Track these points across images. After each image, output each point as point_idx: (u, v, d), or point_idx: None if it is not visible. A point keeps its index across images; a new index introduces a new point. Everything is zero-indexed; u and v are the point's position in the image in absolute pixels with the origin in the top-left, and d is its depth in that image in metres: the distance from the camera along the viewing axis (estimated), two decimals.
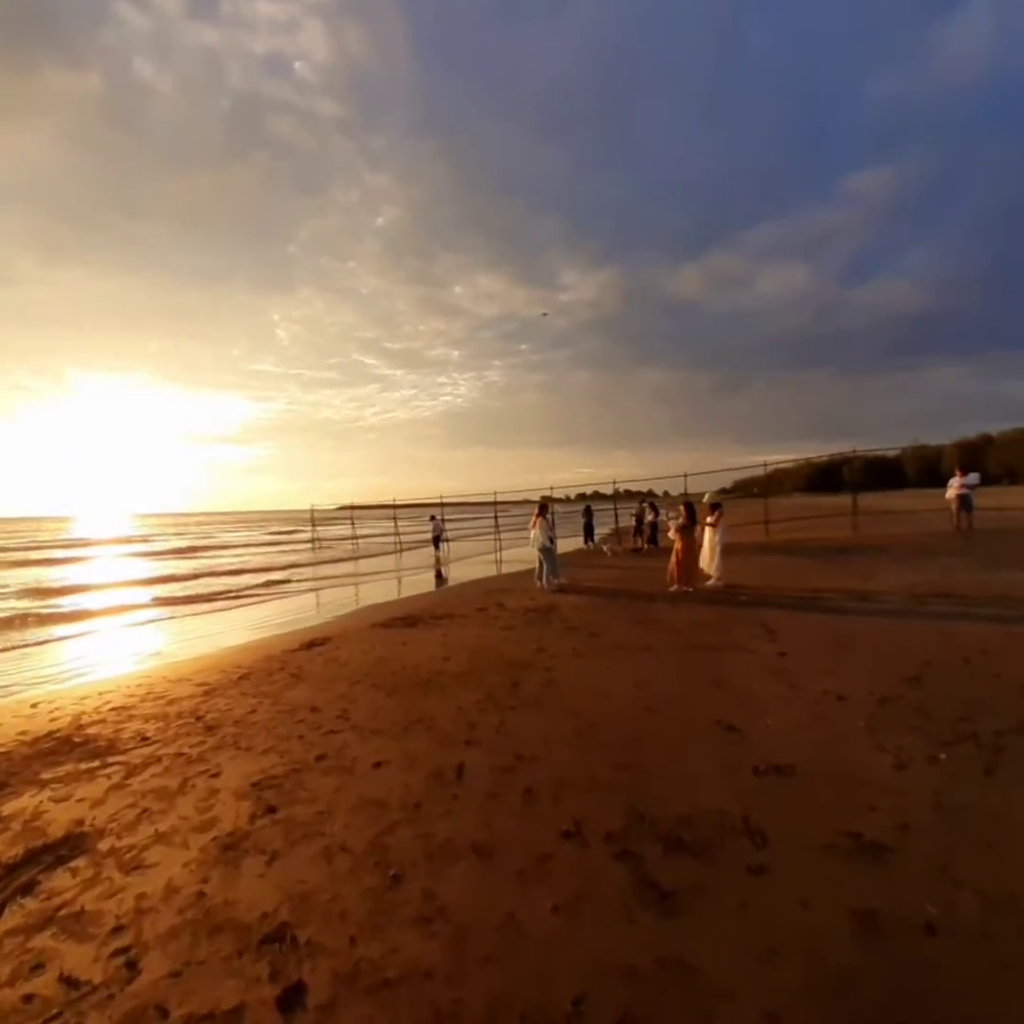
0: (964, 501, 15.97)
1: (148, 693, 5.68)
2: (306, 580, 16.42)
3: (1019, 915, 2.02)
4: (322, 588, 14.72)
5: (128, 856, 2.87)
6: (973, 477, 16.68)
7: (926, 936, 1.95)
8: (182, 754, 4.05)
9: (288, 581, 16.19)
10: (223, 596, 13.61)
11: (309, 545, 29.80)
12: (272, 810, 3.12)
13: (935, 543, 13.75)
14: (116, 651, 8.57)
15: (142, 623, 10.78)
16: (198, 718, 4.79)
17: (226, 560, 24.25)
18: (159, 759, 4.00)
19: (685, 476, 19.92)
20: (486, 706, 4.58)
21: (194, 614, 11.44)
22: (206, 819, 3.11)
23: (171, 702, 5.33)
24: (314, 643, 7.48)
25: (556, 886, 2.31)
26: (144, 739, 4.41)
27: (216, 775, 3.66)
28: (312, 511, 31.63)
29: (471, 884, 2.37)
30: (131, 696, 5.62)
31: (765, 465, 22.15)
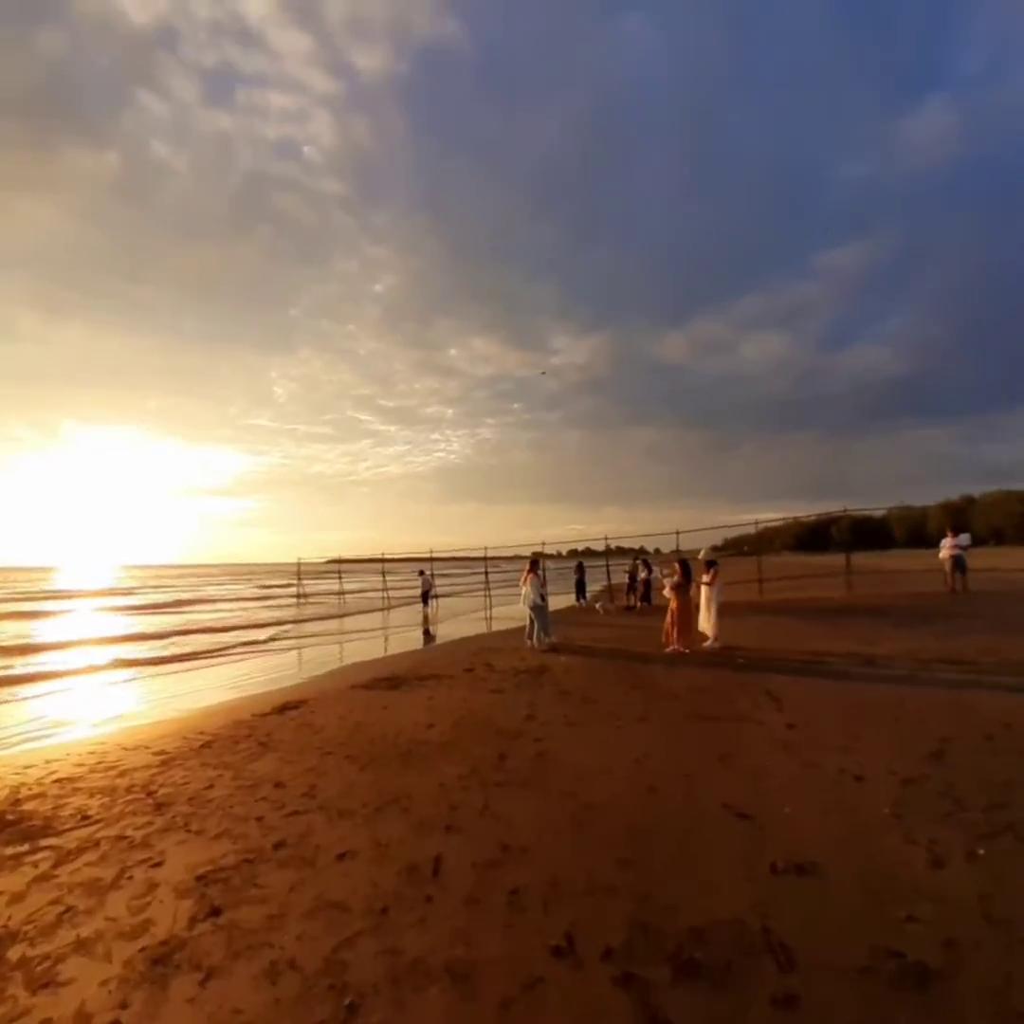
0: (958, 562, 15.84)
1: (99, 762, 5.18)
2: (288, 637, 15.80)
3: None
4: (304, 645, 14.12)
5: (40, 969, 2.42)
6: (965, 538, 16.62)
7: None
8: (124, 837, 3.58)
9: (269, 639, 15.57)
10: (198, 654, 12.98)
11: (294, 600, 29.07)
12: (215, 912, 2.68)
13: (933, 605, 13.51)
14: (76, 714, 7.97)
15: (109, 683, 10.16)
16: (149, 793, 4.31)
17: (207, 615, 23.48)
18: (97, 843, 3.52)
19: (677, 533, 19.79)
20: (470, 783, 4.15)
21: (165, 673, 10.84)
22: (138, 923, 2.66)
23: (123, 773, 4.83)
24: (288, 706, 6.98)
25: (547, 1023, 1.90)
26: (84, 818, 3.93)
27: (158, 865, 3.20)
28: (299, 565, 31.05)
29: (442, 1018, 1.96)
30: (80, 766, 5.11)
31: (756, 523, 22.09)
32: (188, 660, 12.23)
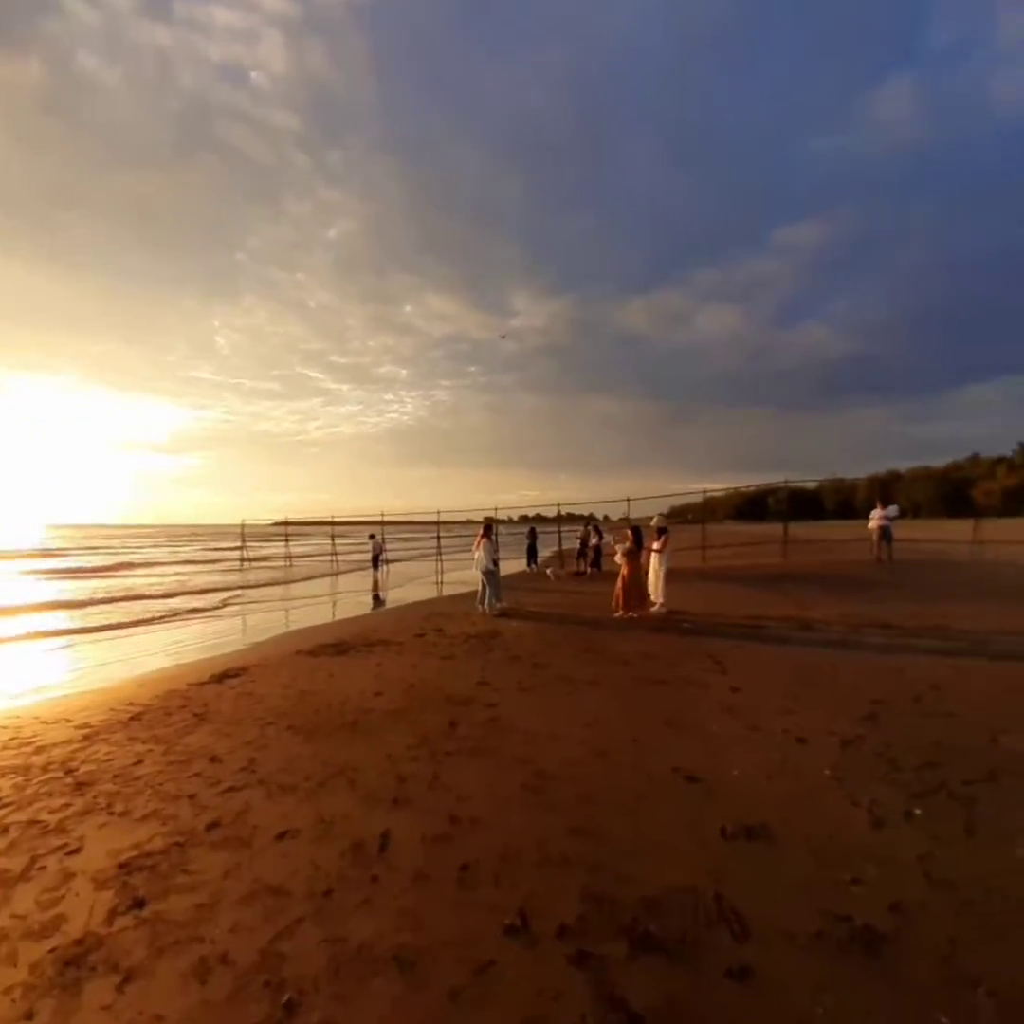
0: (885, 532, 16.75)
1: (12, 738, 4.76)
2: (230, 603, 15.17)
3: None
4: (247, 611, 13.58)
5: None
6: (893, 509, 17.57)
7: None
8: (37, 822, 3.27)
9: (210, 606, 14.90)
10: (131, 622, 12.27)
11: (238, 564, 28.01)
12: (139, 904, 2.46)
13: (862, 572, 14.29)
14: None
15: (29, 652, 9.45)
16: (69, 772, 3.98)
17: (141, 580, 22.30)
18: (5, 830, 3.20)
19: (628, 501, 20.10)
20: (420, 752, 4.03)
21: (94, 641, 10.17)
22: (48, 919, 2.41)
23: (39, 750, 4.45)
24: (227, 674, 6.65)
25: (499, 1012, 1.82)
26: None
27: (75, 852, 2.94)
28: (243, 526, 29.83)
29: (388, 1012, 1.84)
30: None
31: (704, 492, 22.68)
32: (120, 628, 11.54)
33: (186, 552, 41.84)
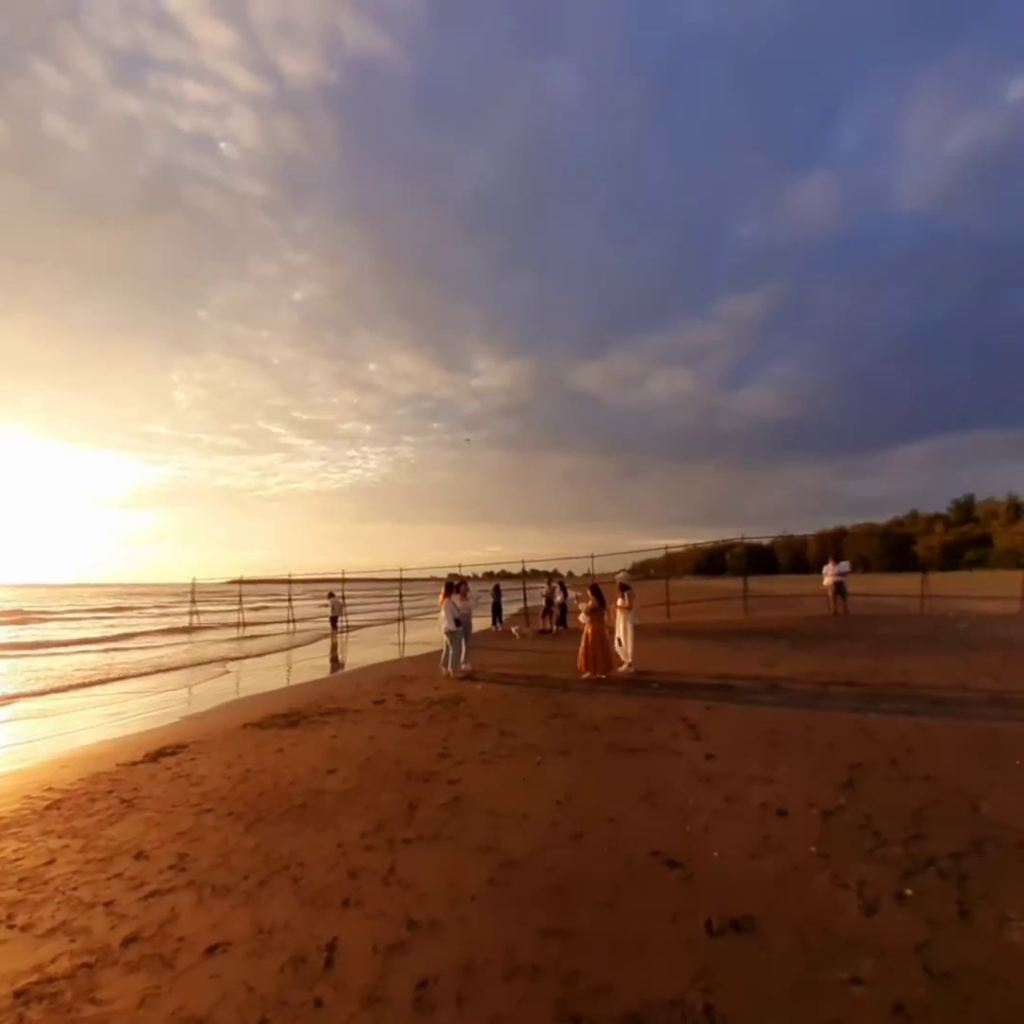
0: (840, 588, 17.25)
1: None
2: (176, 665, 14.20)
3: None
4: (192, 678, 12.69)
5: None
6: (845, 566, 18.18)
7: None
8: None
9: (153, 668, 13.92)
10: (61, 688, 11.29)
11: (187, 624, 26.56)
12: None
13: (820, 627, 14.53)
14: None
15: None
16: None
17: (80, 643, 20.82)
18: None
19: (592, 557, 20.15)
20: (375, 840, 3.66)
21: (14, 717, 9.24)
22: None
23: None
24: (163, 752, 6.08)
25: None
26: None
27: None
28: (193, 585, 28.46)
29: None
30: None
31: (667, 549, 22.99)
32: (44, 695, 10.57)
33: (137, 614, 39.59)
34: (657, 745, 5.44)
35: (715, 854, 3.24)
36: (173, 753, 6.01)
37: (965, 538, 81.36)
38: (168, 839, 3.85)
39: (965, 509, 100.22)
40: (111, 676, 12.56)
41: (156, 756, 5.93)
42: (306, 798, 4.49)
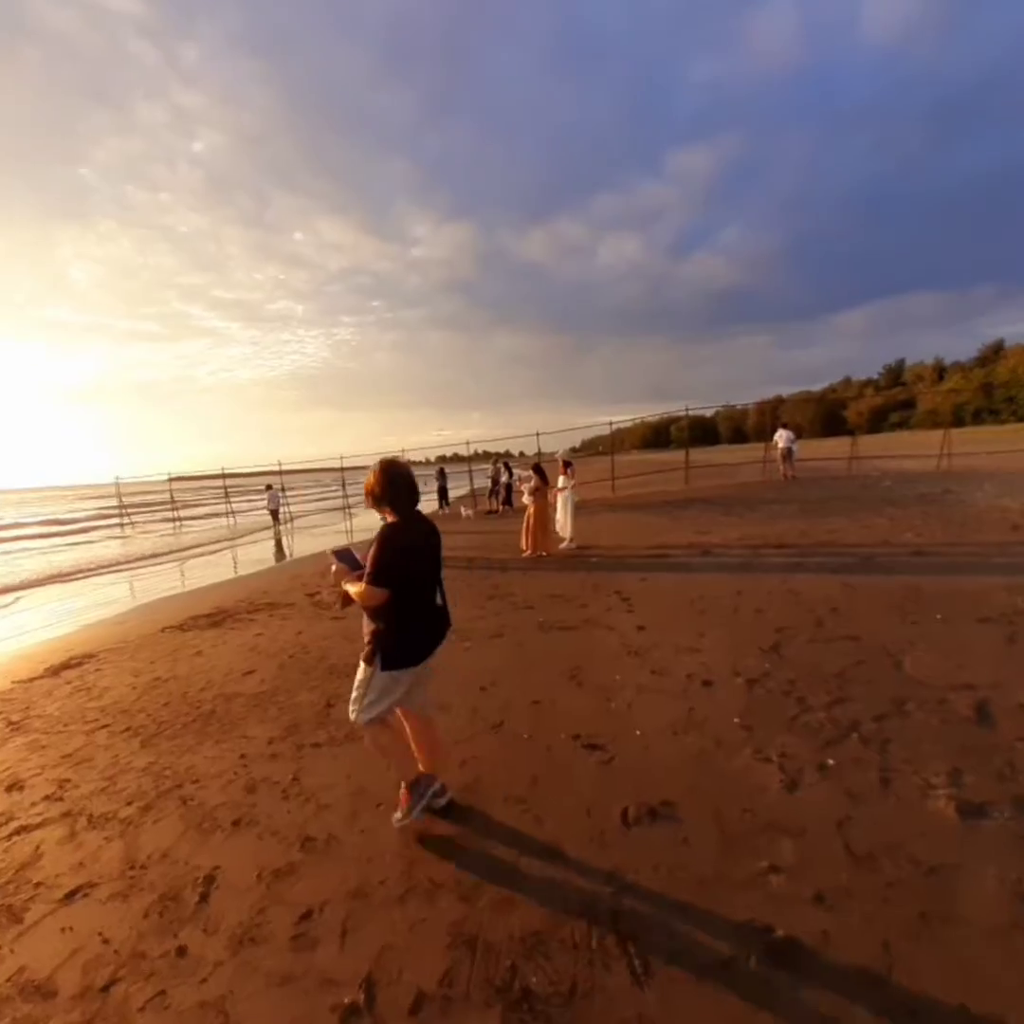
0: (789, 453, 17.83)
1: None
2: (101, 568, 13.39)
3: None
4: (119, 579, 11.98)
5: None
6: (792, 433, 18.62)
7: None
8: None
9: (77, 570, 13.08)
10: None
11: (118, 524, 25.18)
12: None
13: (755, 493, 14.93)
14: None
15: None
16: None
17: None
18: None
19: (538, 435, 19.65)
20: (283, 746, 3.39)
21: None
22: None
23: None
24: (70, 663, 5.61)
25: None
26: None
27: None
28: (118, 484, 26.67)
29: None
30: None
31: (611, 424, 22.67)
32: None
33: (61, 514, 37.31)
34: (590, 620, 5.33)
35: (637, 732, 3.11)
36: (78, 665, 5.55)
37: (892, 401, 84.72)
38: (51, 764, 3.47)
39: (895, 374, 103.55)
40: (21, 582, 11.72)
41: (59, 670, 5.45)
42: (216, 704, 4.17)
